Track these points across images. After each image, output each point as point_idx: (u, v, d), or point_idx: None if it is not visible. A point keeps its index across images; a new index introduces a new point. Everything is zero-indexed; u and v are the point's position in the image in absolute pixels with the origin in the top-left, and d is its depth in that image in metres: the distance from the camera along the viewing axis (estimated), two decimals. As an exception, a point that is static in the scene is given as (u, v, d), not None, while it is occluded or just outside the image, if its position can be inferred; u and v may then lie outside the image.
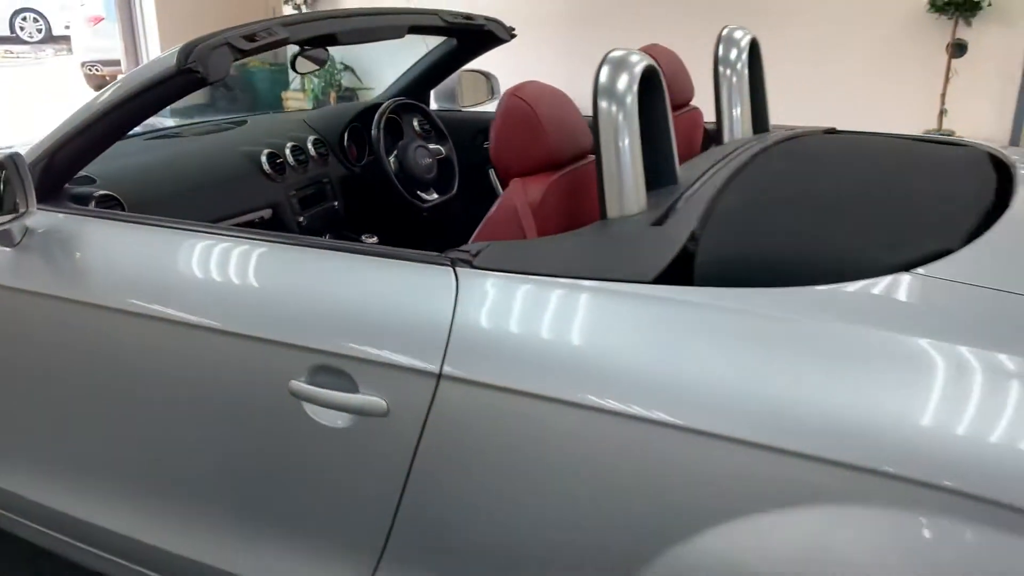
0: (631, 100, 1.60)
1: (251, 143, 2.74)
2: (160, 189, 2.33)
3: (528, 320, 1.39)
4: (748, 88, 2.34)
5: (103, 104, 1.90)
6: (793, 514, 1.17)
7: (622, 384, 1.28)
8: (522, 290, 1.42)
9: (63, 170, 1.96)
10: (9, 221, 1.83)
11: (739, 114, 2.30)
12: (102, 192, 2.12)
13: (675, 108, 2.37)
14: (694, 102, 2.66)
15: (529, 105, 1.74)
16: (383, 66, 8.77)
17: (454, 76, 3.23)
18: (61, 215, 1.90)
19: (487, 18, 2.84)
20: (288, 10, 8.72)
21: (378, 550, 1.55)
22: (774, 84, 6.92)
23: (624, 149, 1.60)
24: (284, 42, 2.10)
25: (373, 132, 2.87)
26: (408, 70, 3.22)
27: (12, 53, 14.68)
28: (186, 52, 1.80)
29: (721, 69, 2.29)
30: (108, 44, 9.90)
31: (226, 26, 2.04)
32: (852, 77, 6.91)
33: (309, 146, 2.86)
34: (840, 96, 6.91)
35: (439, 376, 1.41)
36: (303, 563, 1.65)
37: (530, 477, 1.36)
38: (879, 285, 1.29)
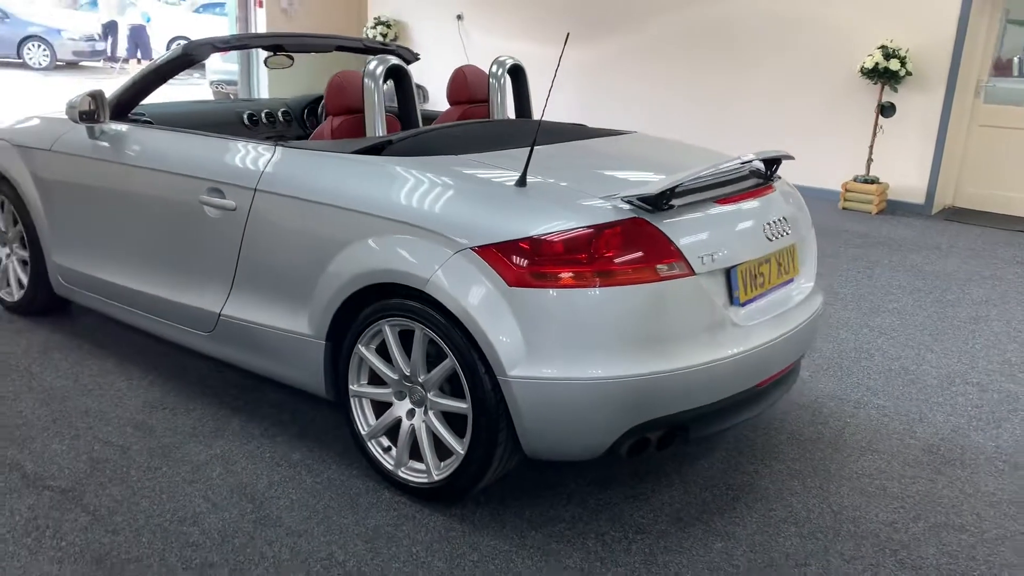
0: (380, 81, 3.21)
1: (244, 109, 4.46)
2: (177, 123, 4.03)
3: (299, 165, 2.99)
4: (512, 91, 3.91)
5: (143, 73, 3.66)
6: (371, 243, 2.72)
7: (329, 191, 2.86)
8: (300, 154, 3.04)
9: (125, 104, 3.70)
10: (93, 123, 3.58)
11: (501, 105, 3.87)
12: (145, 119, 3.85)
13: (474, 102, 3.95)
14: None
15: (341, 79, 3.36)
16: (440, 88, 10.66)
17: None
18: (120, 126, 3.64)
19: (398, 46, 4.50)
20: (374, 34, 10.73)
21: (231, 275, 3.15)
22: (743, 125, 9.17)
23: (375, 102, 3.21)
24: (247, 47, 3.84)
25: (319, 109, 4.58)
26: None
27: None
28: (185, 46, 3.55)
29: (492, 82, 3.88)
30: (232, 67, 12.20)
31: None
32: (801, 124, 8.26)
33: (279, 114, 4.56)
34: (792, 139, 8.25)
35: (255, 190, 3.04)
36: (199, 288, 3.26)
37: (293, 234, 2.92)
38: (455, 158, 2.84)
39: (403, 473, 2.79)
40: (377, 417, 2.87)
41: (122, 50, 18.36)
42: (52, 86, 15.61)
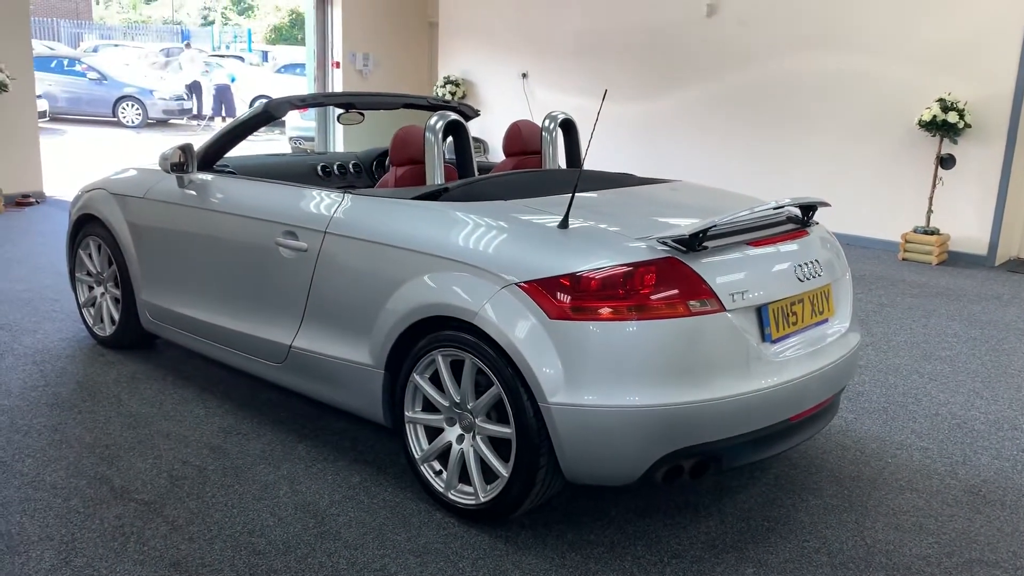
0: (440, 135, 3.50)
1: (318, 161, 4.82)
2: (258, 174, 4.39)
3: (364, 210, 3.28)
4: (563, 143, 4.17)
5: (226, 128, 4.03)
6: (426, 279, 2.96)
7: (391, 233, 3.13)
8: (366, 200, 3.33)
9: (211, 156, 4.07)
10: (182, 173, 3.96)
11: (553, 156, 4.13)
12: (228, 169, 4.21)
13: (528, 153, 4.21)
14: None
15: (405, 133, 3.66)
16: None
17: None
18: (206, 176, 4.01)
19: (460, 103, 4.82)
20: (443, 92, 11.21)
21: (302, 310, 3.44)
22: (804, 177, 9.54)
23: (435, 154, 3.50)
24: (322, 104, 4.19)
25: (386, 162, 4.91)
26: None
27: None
28: (266, 104, 3.92)
29: (544, 135, 4.15)
30: (310, 124, 12.86)
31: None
32: (861, 176, 8.33)
33: (349, 166, 4.90)
34: (852, 190, 8.32)
35: (325, 233, 3.33)
36: (272, 322, 3.55)
37: (358, 272, 3.19)
38: (504, 203, 3.09)
39: (452, 495, 2.99)
40: (430, 442, 3.08)
41: (208, 108, 19.40)
42: (144, 142, 16.60)
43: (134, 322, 4.38)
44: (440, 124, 3.50)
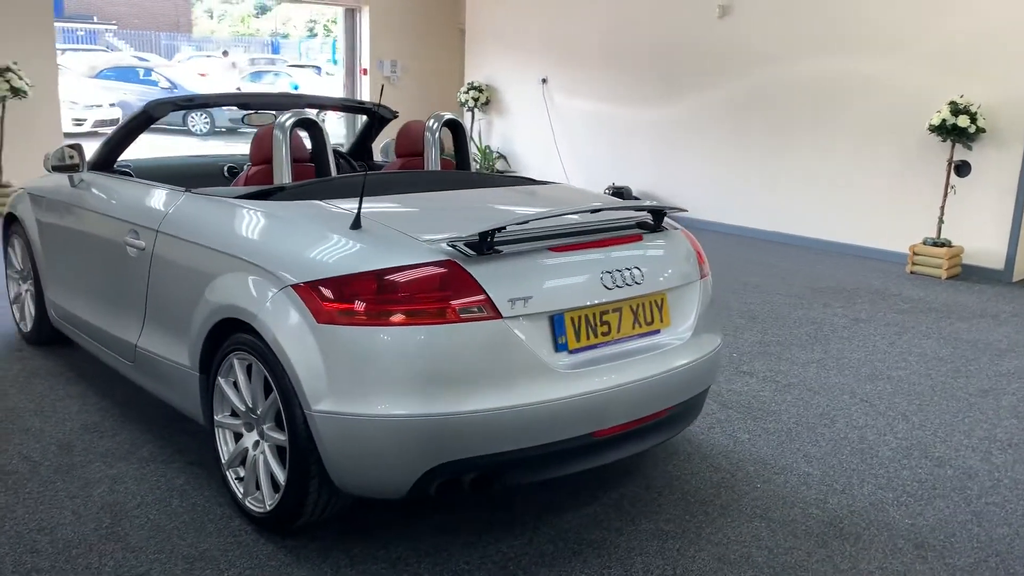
0: (289, 133, 3.43)
1: (226, 162, 4.82)
2: (155, 175, 4.42)
3: (192, 209, 3.23)
4: (451, 144, 4.03)
5: (115, 131, 4.07)
6: (224, 279, 2.89)
7: (204, 233, 3.08)
8: (197, 200, 3.28)
9: (103, 158, 4.13)
10: (72, 173, 4.02)
11: (436, 158, 4.00)
12: (125, 170, 4.26)
13: (415, 154, 4.10)
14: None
15: (264, 132, 3.61)
16: (529, 156, 10.92)
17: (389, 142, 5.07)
18: (94, 175, 4.06)
19: (376, 104, 4.73)
20: (466, 98, 11.22)
21: (143, 309, 3.42)
22: (814, 190, 9.01)
23: (282, 153, 3.43)
24: (209, 105, 4.18)
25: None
26: (357, 137, 5.12)
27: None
28: (146, 105, 3.94)
29: (427, 135, 4.02)
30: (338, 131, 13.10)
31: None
32: (870, 184, 7.87)
33: (262, 167, 4.90)
34: (861, 198, 7.87)
35: (157, 232, 3.31)
36: (124, 321, 3.54)
37: (179, 272, 3.15)
38: (307, 203, 3.00)
39: (248, 502, 2.91)
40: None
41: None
42: (205, 148, 17.18)
43: (46, 318, 4.47)
44: (289, 122, 3.44)
